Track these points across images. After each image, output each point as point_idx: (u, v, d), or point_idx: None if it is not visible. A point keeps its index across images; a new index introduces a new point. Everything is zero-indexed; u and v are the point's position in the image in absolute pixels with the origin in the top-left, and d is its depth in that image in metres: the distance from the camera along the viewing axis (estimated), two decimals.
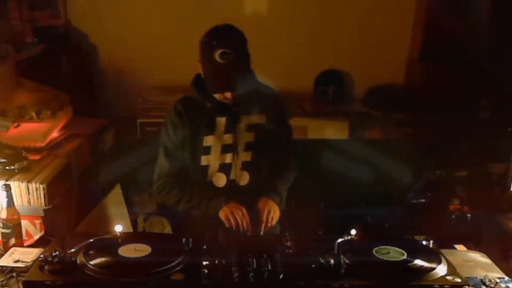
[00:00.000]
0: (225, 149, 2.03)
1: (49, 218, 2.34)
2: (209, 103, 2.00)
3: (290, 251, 1.74)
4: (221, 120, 2.02)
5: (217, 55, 1.85)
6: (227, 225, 1.93)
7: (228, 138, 2.02)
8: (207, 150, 2.02)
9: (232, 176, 2.05)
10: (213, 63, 1.87)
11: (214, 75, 1.92)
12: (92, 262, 1.59)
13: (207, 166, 2.03)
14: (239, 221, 1.90)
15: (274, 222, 1.97)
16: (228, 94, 1.95)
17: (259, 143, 2.05)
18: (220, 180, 2.05)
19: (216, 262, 1.61)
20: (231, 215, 1.92)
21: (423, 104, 3.65)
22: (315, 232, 2.33)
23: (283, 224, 2.21)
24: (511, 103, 3.21)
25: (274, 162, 2.11)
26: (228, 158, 2.03)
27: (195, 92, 2.04)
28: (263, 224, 1.93)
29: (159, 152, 2.10)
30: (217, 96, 1.97)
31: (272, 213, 1.96)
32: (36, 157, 2.56)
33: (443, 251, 1.79)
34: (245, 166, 2.05)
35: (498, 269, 1.79)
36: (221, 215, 1.95)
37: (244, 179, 2.06)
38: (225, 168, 2.04)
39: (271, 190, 2.04)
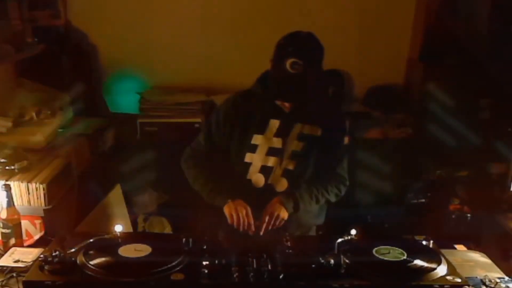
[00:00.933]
0: (271, 151, 2.00)
1: (49, 218, 2.34)
2: (267, 104, 1.97)
3: (290, 251, 1.74)
4: (275, 122, 1.98)
5: (288, 63, 1.80)
6: (229, 221, 1.92)
7: (276, 142, 1.99)
8: (253, 148, 2.00)
9: (270, 181, 2.02)
10: (282, 69, 1.81)
11: (278, 81, 1.87)
12: (92, 262, 1.59)
13: (249, 164, 2.02)
14: (241, 219, 1.89)
15: (277, 225, 1.94)
16: (286, 103, 1.93)
17: (306, 155, 2.02)
18: (258, 181, 2.02)
19: (216, 262, 1.62)
20: (235, 212, 1.90)
21: (423, 104, 3.64)
22: (315, 232, 2.32)
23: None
24: (511, 103, 3.21)
25: (317, 175, 2.07)
26: (271, 162, 2.01)
27: (258, 89, 2.00)
28: (264, 225, 1.92)
29: (202, 131, 2.11)
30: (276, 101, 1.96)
31: (275, 215, 1.93)
32: (36, 157, 2.56)
33: (443, 251, 1.79)
34: (286, 173, 2.02)
35: (498, 269, 1.79)
36: (225, 210, 1.94)
37: (282, 186, 2.03)
38: (265, 171, 2.01)
39: (287, 192, 2.01)
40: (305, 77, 1.81)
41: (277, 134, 1.99)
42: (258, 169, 2.01)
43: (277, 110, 1.98)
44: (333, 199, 2.11)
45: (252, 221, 1.90)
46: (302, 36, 1.89)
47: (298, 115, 1.99)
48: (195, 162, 2.08)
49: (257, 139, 1.99)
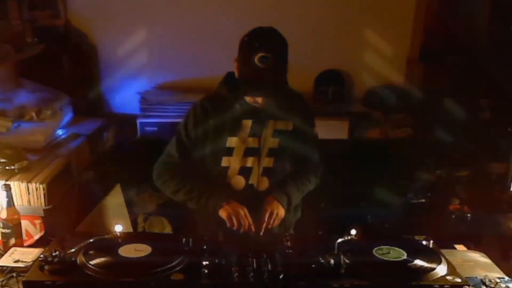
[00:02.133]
0: (248, 152, 1.99)
1: (49, 218, 2.34)
2: (237, 104, 1.96)
3: (290, 251, 1.74)
4: (247, 123, 1.98)
5: (256, 58, 1.80)
6: (228, 225, 1.90)
7: (252, 142, 1.99)
8: (229, 151, 1.98)
9: (251, 181, 2.01)
10: (250, 66, 1.81)
11: (249, 77, 1.86)
12: (92, 262, 1.59)
13: (227, 168, 2.00)
14: (242, 221, 1.88)
15: (276, 223, 1.95)
16: (259, 99, 1.92)
17: (282, 150, 2.02)
18: (239, 183, 2.01)
19: (216, 262, 1.62)
20: (235, 214, 1.89)
21: (423, 104, 3.64)
22: (315, 232, 2.32)
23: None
24: (511, 103, 3.21)
25: (296, 168, 2.08)
26: (250, 162, 2.00)
27: (225, 91, 1.99)
28: (264, 224, 1.92)
29: (171, 141, 2.06)
30: (247, 98, 1.94)
31: (275, 214, 1.93)
32: (36, 157, 2.56)
33: (443, 251, 1.79)
34: (266, 172, 2.02)
35: (498, 269, 1.79)
36: (223, 214, 1.92)
37: (263, 184, 2.03)
38: (245, 172, 2.01)
39: (279, 191, 2.01)
40: (274, 70, 1.82)
41: (251, 134, 1.99)
42: (237, 171, 2.00)
43: (248, 109, 1.96)
44: (313, 187, 2.13)
45: (251, 221, 1.89)
46: (265, 31, 1.90)
47: (269, 112, 1.98)
48: (171, 174, 2.03)
49: (232, 142, 1.98)
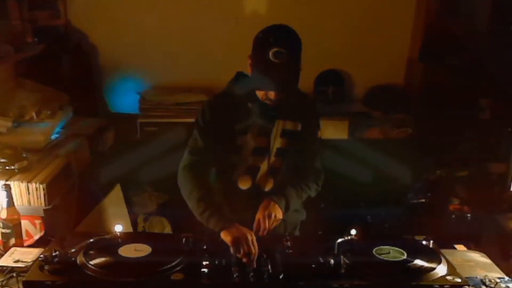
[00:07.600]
0: (257, 151, 1.98)
1: (49, 218, 2.34)
2: (250, 102, 1.95)
3: (290, 251, 1.74)
4: (257, 121, 1.97)
5: (271, 53, 1.79)
6: (232, 251, 1.72)
7: (261, 141, 1.98)
8: (238, 149, 1.98)
9: (257, 181, 2.00)
10: (265, 61, 1.81)
11: (263, 72, 1.85)
12: (92, 262, 1.59)
13: (235, 165, 1.99)
14: (247, 249, 1.70)
15: (273, 226, 1.91)
16: (271, 95, 1.90)
17: (289, 151, 2.01)
18: (245, 182, 2.00)
19: (216, 262, 1.62)
20: (245, 241, 1.71)
21: (423, 104, 3.65)
22: (315, 232, 2.32)
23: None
24: (511, 103, 3.21)
25: (298, 171, 2.07)
26: (258, 161, 1.99)
27: (234, 90, 1.99)
28: (262, 227, 1.89)
29: (192, 137, 2.01)
30: (259, 95, 1.93)
31: (273, 216, 1.90)
32: (36, 157, 2.56)
33: (443, 251, 1.79)
34: (272, 171, 2.01)
35: (498, 269, 1.79)
36: (226, 237, 1.77)
37: (269, 185, 2.02)
38: (252, 171, 2.00)
39: (278, 193, 1.98)
40: (288, 65, 1.82)
41: (261, 133, 1.98)
42: (244, 170, 1.99)
43: (258, 108, 1.96)
44: (313, 194, 2.11)
45: (256, 251, 1.72)
46: (280, 27, 1.90)
47: (279, 112, 1.98)
48: (194, 173, 1.97)
49: (241, 140, 1.97)
